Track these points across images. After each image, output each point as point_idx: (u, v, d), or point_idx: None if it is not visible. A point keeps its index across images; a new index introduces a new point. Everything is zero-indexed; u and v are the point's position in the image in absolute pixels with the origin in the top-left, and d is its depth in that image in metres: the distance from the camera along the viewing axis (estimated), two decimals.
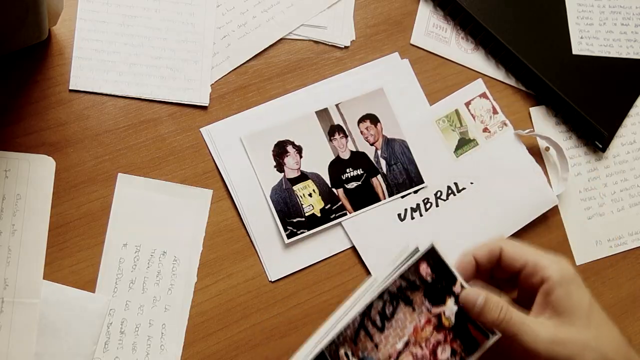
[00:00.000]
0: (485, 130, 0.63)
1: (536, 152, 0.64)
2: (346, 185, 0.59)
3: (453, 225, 0.60)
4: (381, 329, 0.49)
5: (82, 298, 0.52)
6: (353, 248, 0.58)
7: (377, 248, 0.58)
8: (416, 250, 0.50)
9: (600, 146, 0.64)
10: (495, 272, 0.51)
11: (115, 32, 0.58)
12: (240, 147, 0.58)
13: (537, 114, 0.65)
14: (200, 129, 0.58)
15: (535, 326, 0.45)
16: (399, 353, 0.49)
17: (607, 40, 0.67)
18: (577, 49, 0.66)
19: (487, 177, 0.62)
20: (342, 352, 0.48)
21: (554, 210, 0.63)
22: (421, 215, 0.60)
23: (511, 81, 0.66)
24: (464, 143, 0.62)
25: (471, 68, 0.65)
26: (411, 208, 0.60)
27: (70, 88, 0.56)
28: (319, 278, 0.57)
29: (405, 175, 0.60)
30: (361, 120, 0.61)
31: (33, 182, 0.53)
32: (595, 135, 0.64)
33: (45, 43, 0.56)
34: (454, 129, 0.62)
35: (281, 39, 0.62)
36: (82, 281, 0.52)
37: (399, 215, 0.59)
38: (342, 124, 0.60)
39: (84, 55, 0.57)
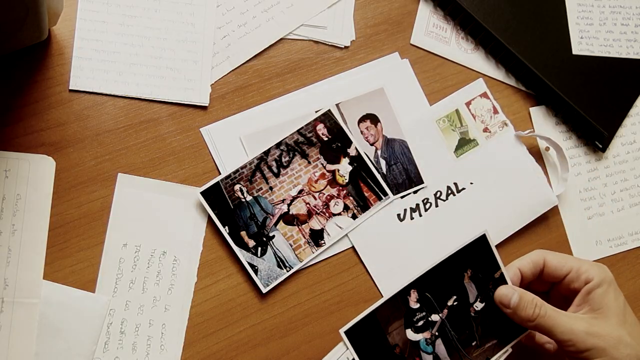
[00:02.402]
0: (485, 130, 0.63)
1: (536, 152, 0.64)
2: None
3: (452, 225, 0.60)
4: (277, 175, 0.53)
5: (82, 298, 0.52)
6: (353, 248, 0.58)
7: (377, 248, 0.58)
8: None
9: (600, 146, 0.64)
10: (534, 284, 0.52)
11: (115, 32, 0.58)
12: (240, 147, 0.58)
13: (537, 114, 0.65)
14: (200, 129, 0.58)
15: (570, 320, 0.47)
16: (293, 198, 0.53)
17: (607, 40, 0.67)
18: (577, 49, 0.66)
19: (487, 177, 0.62)
20: (237, 187, 0.51)
21: (554, 210, 0.63)
22: (420, 215, 0.60)
23: (511, 81, 0.66)
24: (464, 143, 0.62)
25: (471, 68, 0.65)
26: (410, 208, 0.60)
27: (70, 88, 0.56)
28: (319, 278, 0.57)
29: (405, 176, 0.60)
30: (361, 120, 0.61)
31: (33, 182, 0.53)
32: (595, 135, 0.64)
33: (45, 43, 0.56)
34: (454, 129, 0.62)
35: (281, 39, 0.62)
36: (82, 281, 0.53)
37: (399, 215, 0.59)
38: (342, 124, 0.60)
39: (84, 55, 0.57)
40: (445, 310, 0.50)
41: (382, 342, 0.48)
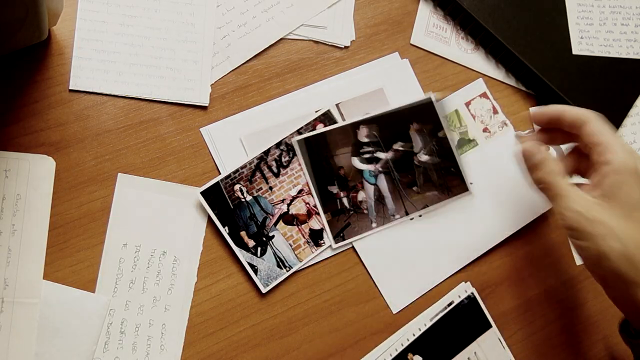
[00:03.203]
0: (485, 130, 0.63)
1: None
2: None
3: (452, 225, 0.60)
4: (276, 175, 0.54)
5: (82, 298, 0.52)
6: (353, 248, 0.58)
7: (377, 248, 0.58)
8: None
9: None
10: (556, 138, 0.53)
11: (115, 32, 0.58)
12: (240, 147, 0.58)
13: None
14: (200, 129, 0.58)
15: (574, 196, 0.47)
16: (293, 198, 0.54)
17: (607, 40, 0.67)
18: (577, 49, 0.66)
19: (487, 177, 0.62)
20: (237, 187, 0.53)
21: (554, 211, 0.63)
22: (420, 215, 0.60)
23: (511, 81, 0.66)
24: (464, 143, 0.62)
25: (471, 68, 0.65)
26: None
27: (70, 88, 0.56)
28: (319, 278, 0.57)
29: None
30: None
31: (33, 182, 0.53)
32: None
33: (45, 43, 0.56)
34: (453, 129, 0.62)
35: (281, 39, 0.62)
36: (82, 281, 0.53)
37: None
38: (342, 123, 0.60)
39: (84, 55, 0.57)
40: (391, 152, 0.55)
41: (329, 161, 0.55)
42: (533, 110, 0.52)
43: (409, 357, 0.51)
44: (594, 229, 0.45)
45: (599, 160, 0.48)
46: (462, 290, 0.56)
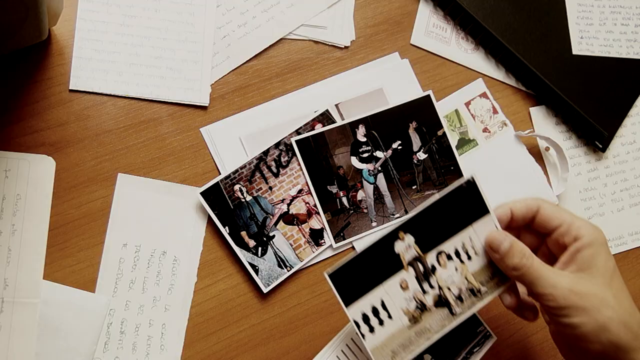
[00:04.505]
0: (485, 130, 0.63)
1: (536, 152, 0.64)
2: None
3: None
4: (276, 175, 0.55)
5: (82, 298, 0.52)
6: (353, 248, 0.58)
7: None
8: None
9: (600, 146, 0.64)
10: (524, 237, 0.51)
11: (115, 32, 0.58)
12: (240, 147, 0.58)
13: (537, 114, 0.65)
14: (200, 129, 0.58)
15: (555, 275, 0.45)
16: (293, 198, 0.55)
17: (607, 40, 0.67)
18: (577, 49, 0.66)
19: (487, 177, 0.62)
20: (237, 187, 0.53)
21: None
22: None
23: (511, 81, 0.66)
24: (464, 143, 0.62)
25: (471, 68, 0.65)
26: None
27: (70, 88, 0.56)
28: (319, 278, 0.57)
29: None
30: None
31: (33, 182, 0.53)
32: (595, 135, 0.64)
33: (45, 43, 0.56)
34: (453, 129, 0.62)
35: (281, 39, 0.62)
36: (82, 281, 0.53)
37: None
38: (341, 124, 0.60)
39: (84, 55, 0.57)
40: (390, 151, 0.56)
41: (328, 160, 0.56)
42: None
43: (400, 235, 0.48)
44: (587, 302, 0.44)
45: (567, 238, 0.47)
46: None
